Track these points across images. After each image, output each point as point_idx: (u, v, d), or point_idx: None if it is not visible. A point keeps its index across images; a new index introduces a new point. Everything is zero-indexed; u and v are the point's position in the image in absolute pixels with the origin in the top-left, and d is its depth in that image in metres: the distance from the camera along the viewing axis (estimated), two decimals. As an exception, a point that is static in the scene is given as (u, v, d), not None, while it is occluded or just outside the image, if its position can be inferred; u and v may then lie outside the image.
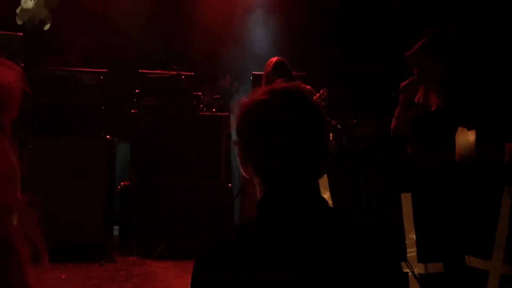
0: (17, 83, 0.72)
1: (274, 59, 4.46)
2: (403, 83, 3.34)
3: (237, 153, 1.27)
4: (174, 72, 5.30)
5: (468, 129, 2.67)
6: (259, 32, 6.43)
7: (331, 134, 3.06)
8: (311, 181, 1.24)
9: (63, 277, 4.30)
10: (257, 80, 5.69)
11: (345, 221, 1.22)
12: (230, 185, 5.39)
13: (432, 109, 3.23)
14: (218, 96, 5.53)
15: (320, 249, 1.14)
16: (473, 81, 3.38)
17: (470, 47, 3.59)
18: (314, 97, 4.23)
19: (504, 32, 4.05)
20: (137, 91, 5.26)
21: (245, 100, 1.27)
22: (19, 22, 5.20)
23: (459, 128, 2.70)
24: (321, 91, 4.21)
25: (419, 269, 2.63)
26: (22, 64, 4.84)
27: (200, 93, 5.40)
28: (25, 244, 0.65)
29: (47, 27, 5.33)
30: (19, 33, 4.94)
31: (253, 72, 5.74)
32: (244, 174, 1.28)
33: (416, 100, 3.37)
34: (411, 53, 3.22)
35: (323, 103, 4.19)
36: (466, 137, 2.65)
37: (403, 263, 2.64)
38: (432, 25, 3.35)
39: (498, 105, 3.36)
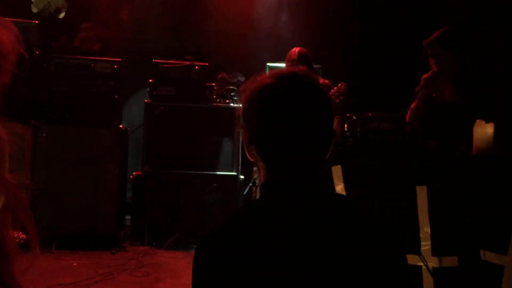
0: (12, 44, 0.67)
1: (297, 48, 4.42)
2: (425, 76, 3.22)
3: (242, 136, 1.27)
4: (188, 63, 5.29)
5: (487, 122, 2.62)
6: (275, 23, 6.38)
7: (345, 125, 3.02)
8: (314, 167, 1.22)
9: (75, 264, 4.32)
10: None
11: (346, 208, 1.21)
12: (242, 177, 5.38)
13: (447, 103, 3.16)
14: (232, 87, 5.50)
15: (321, 235, 1.12)
16: (492, 77, 3.28)
17: (492, 42, 3.50)
18: (332, 90, 4.18)
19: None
20: (150, 81, 5.26)
21: (251, 83, 1.25)
22: (35, 10, 5.22)
23: (477, 121, 2.65)
24: (339, 85, 4.16)
25: (433, 262, 2.60)
26: (37, 52, 4.86)
27: (213, 84, 5.38)
28: (12, 231, 0.61)
29: (62, 15, 5.33)
30: (34, 21, 4.96)
31: (268, 64, 5.72)
32: (248, 157, 1.27)
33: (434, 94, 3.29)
34: (428, 41, 3.16)
35: (341, 97, 4.13)
36: (484, 130, 2.60)
37: (416, 256, 2.61)
38: (454, 18, 3.26)
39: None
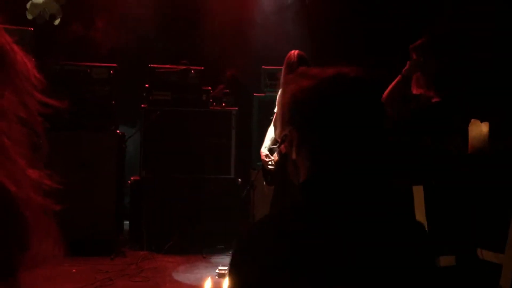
0: (16, 46, 0.65)
1: (296, 51, 4.42)
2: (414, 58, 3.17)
3: (291, 135, 1.26)
4: (184, 67, 5.30)
5: (481, 121, 2.63)
6: (270, 26, 6.39)
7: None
8: (367, 166, 1.22)
9: (74, 270, 4.31)
10: (268, 74, 5.67)
11: (388, 212, 1.21)
12: (239, 180, 5.39)
13: (430, 103, 3.15)
14: (228, 90, 5.52)
15: (362, 239, 1.13)
16: (478, 77, 3.28)
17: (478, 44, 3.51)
18: None
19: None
20: (146, 85, 5.27)
21: (297, 81, 1.26)
22: (30, 16, 5.22)
23: (472, 120, 2.66)
24: None
25: (431, 262, 2.60)
26: (33, 59, 4.85)
27: (209, 88, 5.39)
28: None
29: (57, 21, 5.34)
30: (29, 28, 4.96)
31: (263, 67, 5.73)
32: (293, 156, 1.26)
33: (415, 91, 3.26)
34: (412, 46, 3.15)
35: None
36: (479, 129, 2.61)
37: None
38: (438, 22, 3.24)
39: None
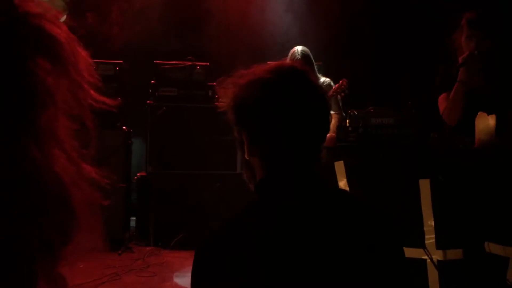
0: (78, 45, 0.65)
1: (300, 47, 4.42)
2: (462, 56, 2.97)
3: (242, 134, 1.23)
4: (189, 63, 5.30)
5: (488, 113, 2.62)
6: (277, 23, 6.39)
7: (347, 121, 3.02)
8: (313, 164, 1.21)
9: (81, 266, 4.33)
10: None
11: (345, 202, 1.20)
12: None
13: (474, 93, 3.04)
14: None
15: (321, 233, 1.11)
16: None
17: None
18: (334, 87, 4.21)
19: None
20: (152, 82, 5.27)
21: (245, 78, 1.23)
22: (36, 14, 5.24)
23: (478, 113, 2.65)
24: (341, 81, 4.18)
25: (438, 255, 2.60)
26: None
27: (215, 84, 5.39)
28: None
29: (63, 18, 5.35)
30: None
31: (269, 62, 5.72)
32: (246, 156, 1.24)
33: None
34: (467, 20, 3.01)
35: (343, 94, 4.16)
36: (486, 122, 2.60)
37: (421, 250, 2.61)
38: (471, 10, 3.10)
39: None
